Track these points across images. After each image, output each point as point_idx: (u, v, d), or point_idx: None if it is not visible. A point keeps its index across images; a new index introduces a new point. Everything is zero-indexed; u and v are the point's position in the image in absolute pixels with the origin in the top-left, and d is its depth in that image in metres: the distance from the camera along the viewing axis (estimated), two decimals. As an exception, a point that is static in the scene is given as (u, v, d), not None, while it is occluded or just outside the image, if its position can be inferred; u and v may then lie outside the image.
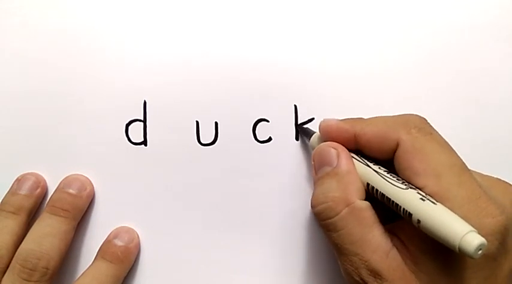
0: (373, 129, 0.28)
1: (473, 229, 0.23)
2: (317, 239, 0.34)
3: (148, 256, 0.34)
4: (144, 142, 0.34)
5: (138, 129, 0.34)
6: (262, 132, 0.34)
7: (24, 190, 0.33)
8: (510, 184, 0.28)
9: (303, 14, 0.35)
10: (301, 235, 0.34)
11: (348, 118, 0.30)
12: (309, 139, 0.32)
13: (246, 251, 0.34)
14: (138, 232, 0.34)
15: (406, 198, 0.25)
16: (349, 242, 0.27)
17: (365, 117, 0.30)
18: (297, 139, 0.34)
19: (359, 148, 0.29)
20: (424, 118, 0.28)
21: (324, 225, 0.28)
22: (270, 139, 0.34)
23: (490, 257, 0.25)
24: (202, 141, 0.34)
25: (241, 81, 0.34)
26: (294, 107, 0.34)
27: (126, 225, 0.34)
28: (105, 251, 0.32)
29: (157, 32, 0.35)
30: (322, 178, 0.29)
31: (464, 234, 0.22)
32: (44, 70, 0.34)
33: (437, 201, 0.24)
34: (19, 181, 0.33)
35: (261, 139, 0.34)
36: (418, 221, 0.24)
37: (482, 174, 0.28)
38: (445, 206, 0.24)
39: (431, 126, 0.28)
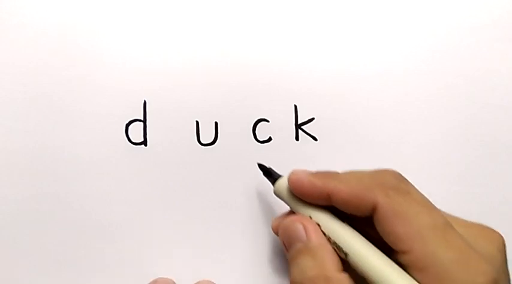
0: (347, 189, 0.26)
1: None
2: (317, 240, 0.34)
3: (148, 256, 0.34)
4: (144, 142, 0.34)
5: (138, 129, 0.34)
6: (262, 132, 0.34)
7: None
8: (494, 231, 0.27)
9: (303, 14, 0.35)
10: (301, 235, 0.34)
11: (320, 172, 0.28)
12: (272, 181, 0.31)
13: (247, 251, 0.34)
14: (137, 231, 0.34)
15: (381, 274, 0.24)
16: None
17: (340, 173, 0.28)
18: (297, 139, 0.34)
19: (334, 206, 0.27)
20: (399, 174, 0.27)
21: None
22: (270, 139, 0.34)
23: None
24: (202, 141, 0.34)
25: (241, 81, 0.34)
26: (294, 107, 0.34)
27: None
28: None
29: (157, 32, 0.35)
30: (295, 258, 0.27)
31: None
32: (43, 70, 0.34)
33: (424, 266, 0.24)
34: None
35: (261, 139, 0.34)
36: None
37: (465, 222, 0.27)
38: (434, 271, 0.23)
39: (407, 182, 0.26)
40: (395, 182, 0.26)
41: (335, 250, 0.26)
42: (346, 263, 0.26)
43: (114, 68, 0.34)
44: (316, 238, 0.27)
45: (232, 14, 0.35)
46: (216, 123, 0.34)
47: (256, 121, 0.34)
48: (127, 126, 0.34)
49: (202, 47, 0.35)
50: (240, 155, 0.34)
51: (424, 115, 0.35)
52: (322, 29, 0.35)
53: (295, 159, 0.34)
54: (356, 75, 0.35)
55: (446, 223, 0.25)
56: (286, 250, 0.28)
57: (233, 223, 0.34)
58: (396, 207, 0.25)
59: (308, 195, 0.28)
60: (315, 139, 0.34)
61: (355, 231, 0.27)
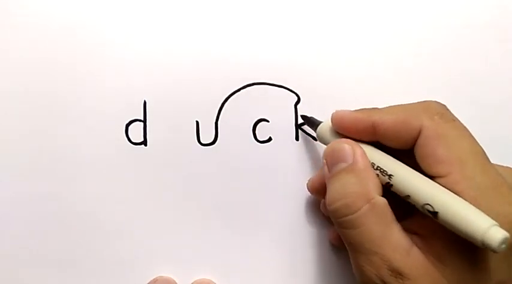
0: (392, 117, 0.27)
1: (495, 223, 0.22)
2: (317, 239, 0.34)
3: (148, 255, 0.34)
4: (144, 142, 0.34)
5: (138, 129, 0.34)
6: (262, 132, 0.34)
7: None
8: None
9: (304, 14, 0.35)
10: (302, 235, 0.34)
11: (363, 109, 0.29)
12: (314, 129, 0.32)
13: (247, 251, 0.34)
14: (137, 231, 0.34)
15: (427, 191, 0.25)
16: (368, 240, 0.25)
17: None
18: (296, 139, 0.34)
19: (377, 139, 0.28)
20: (445, 105, 0.27)
21: (341, 223, 0.26)
22: (270, 139, 0.34)
23: None
24: (202, 141, 0.34)
25: (241, 81, 0.34)
26: (294, 107, 0.34)
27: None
28: None
29: (157, 32, 0.35)
30: (338, 175, 0.27)
31: (488, 229, 0.22)
32: (43, 70, 0.34)
33: (461, 189, 0.24)
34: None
35: (261, 139, 0.34)
36: (437, 215, 0.24)
37: (497, 164, 0.27)
38: (470, 194, 0.24)
39: (452, 112, 0.27)
40: (440, 109, 0.27)
41: (378, 175, 0.27)
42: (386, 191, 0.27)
43: (114, 68, 0.34)
44: (362, 161, 0.27)
45: (232, 15, 0.35)
46: (216, 123, 0.34)
47: (256, 121, 0.34)
48: (127, 126, 0.34)
49: (202, 47, 0.35)
50: (240, 155, 0.34)
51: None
52: (323, 29, 0.35)
53: (295, 159, 0.34)
54: (356, 75, 0.35)
55: (484, 154, 0.26)
56: (328, 169, 0.28)
57: (233, 223, 0.34)
58: (440, 130, 0.25)
59: (352, 130, 0.28)
60: (314, 139, 0.34)
61: (397, 160, 0.27)
